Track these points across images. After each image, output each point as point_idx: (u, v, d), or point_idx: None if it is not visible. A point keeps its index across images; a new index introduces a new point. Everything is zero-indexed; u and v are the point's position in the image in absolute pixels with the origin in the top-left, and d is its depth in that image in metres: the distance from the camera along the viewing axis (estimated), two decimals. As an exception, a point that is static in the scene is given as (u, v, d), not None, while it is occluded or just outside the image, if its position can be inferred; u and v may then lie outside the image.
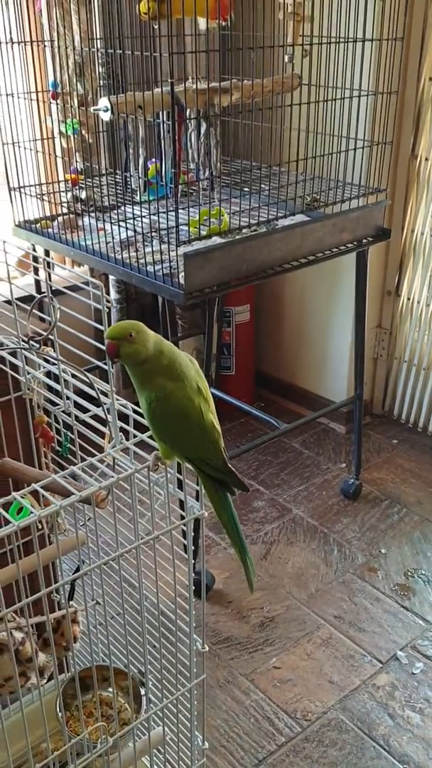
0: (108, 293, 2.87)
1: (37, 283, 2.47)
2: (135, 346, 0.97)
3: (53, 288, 1.24)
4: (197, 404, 1.01)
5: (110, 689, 1.44)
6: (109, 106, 1.87)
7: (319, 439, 3.04)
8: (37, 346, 1.12)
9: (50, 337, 1.06)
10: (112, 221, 2.14)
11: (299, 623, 2.12)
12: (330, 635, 2.08)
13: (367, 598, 2.20)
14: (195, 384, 1.02)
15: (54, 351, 1.09)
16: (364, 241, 2.29)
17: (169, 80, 1.72)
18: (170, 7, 1.73)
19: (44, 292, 2.50)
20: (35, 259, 2.29)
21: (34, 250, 2.36)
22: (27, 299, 1.28)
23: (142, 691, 1.37)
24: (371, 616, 2.14)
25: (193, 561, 1.18)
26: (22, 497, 0.93)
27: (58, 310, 1.03)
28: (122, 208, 2.25)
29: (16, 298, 1.18)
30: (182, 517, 1.17)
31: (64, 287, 1.17)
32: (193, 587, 1.23)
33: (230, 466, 1.06)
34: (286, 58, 2.08)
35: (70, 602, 1.39)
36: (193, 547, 1.19)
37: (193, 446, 1.04)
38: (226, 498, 1.09)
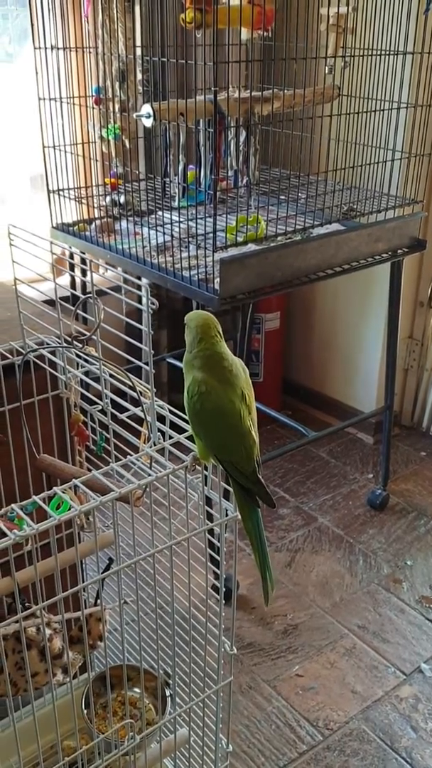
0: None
1: (72, 283, 2.50)
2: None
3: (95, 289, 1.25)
4: (237, 407, 1.02)
5: (135, 689, 1.46)
6: (151, 113, 1.90)
7: (347, 448, 3.03)
8: (80, 345, 1.14)
9: (93, 336, 1.08)
10: (149, 226, 2.16)
11: (323, 632, 2.12)
12: (354, 645, 2.07)
13: (392, 610, 2.19)
14: (240, 391, 1.03)
15: (96, 351, 1.11)
16: (399, 251, 2.29)
17: (212, 88, 1.74)
18: (216, 17, 1.75)
19: (83, 292, 2.53)
20: (71, 256, 2.32)
21: (73, 249, 2.39)
22: (65, 299, 1.30)
23: (168, 692, 1.38)
24: (395, 628, 2.13)
25: (224, 563, 1.19)
26: (63, 492, 0.95)
27: (102, 310, 1.05)
28: (159, 213, 2.27)
29: (53, 299, 1.20)
30: (211, 520, 1.18)
31: (108, 288, 1.19)
32: (223, 589, 1.24)
33: (260, 477, 1.07)
34: (327, 69, 2.09)
35: (97, 601, 1.40)
36: (224, 550, 1.20)
37: (225, 446, 1.05)
38: (254, 508, 1.10)
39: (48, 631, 1.27)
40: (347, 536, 2.51)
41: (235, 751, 1.76)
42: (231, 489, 1.12)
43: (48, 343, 1.25)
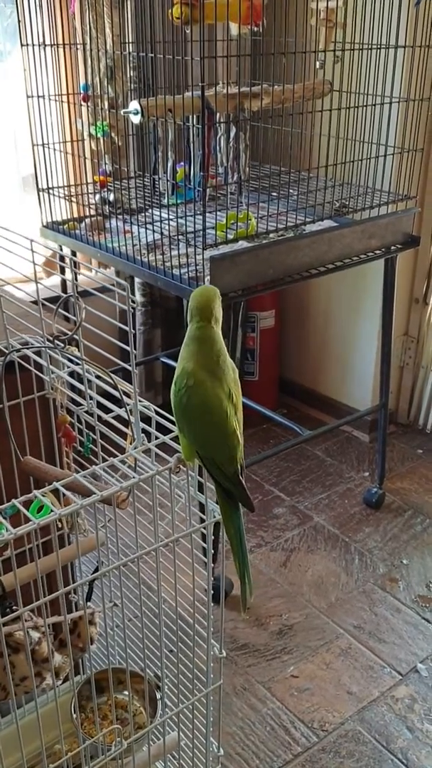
0: (133, 295, 2.87)
1: (64, 283, 2.48)
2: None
3: (79, 288, 1.25)
4: (224, 405, 1.00)
5: (126, 692, 1.44)
6: (139, 109, 1.88)
7: (342, 447, 3.01)
8: (62, 345, 1.12)
9: (75, 336, 1.06)
10: (139, 224, 2.14)
11: (318, 632, 2.10)
12: (349, 645, 2.05)
13: (388, 609, 2.18)
14: (228, 388, 1.01)
15: (78, 351, 1.09)
16: (392, 248, 2.28)
17: (200, 84, 1.72)
18: (203, 12, 1.73)
19: (70, 292, 2.51)
20: (62, 259, 2.30)
21: (61, 250, 2.37)
22: (54, 299, 1.29)
23: (158, 695, 1.36)
24: (391, 627, 2.11)
25: (212, 565, 1.17)
26: (42, 495, 0.93)
27: (84, 309, 1.03)
28: (149, 210, 2.26)
29: (43, 298, 1.18)
30: (202, 521, 1.17)
31: (90, 288, 1.17)
32: (212, 592, 1.22)
33: (242, 479, 1.04)
34: (317, 64, 2.07)
35: (88, 603, 1.38)
36: (212, 551, 1.18)
37: (208, 444, 1.03)
38: (235, 510, 1.08)
39: (37, 635, 1.25)
40: (343, 535, 2.49)
41: (229, 754, 1.74)
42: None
43: (32, 344, 1.23)
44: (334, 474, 2.83)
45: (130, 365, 1.01)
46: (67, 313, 2.23)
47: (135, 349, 2.92)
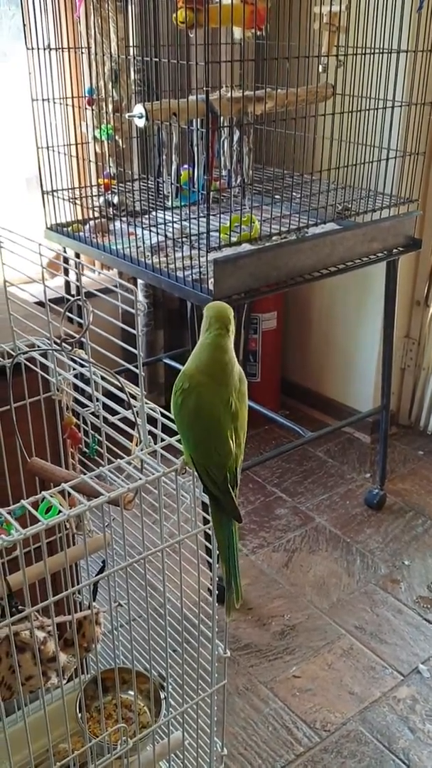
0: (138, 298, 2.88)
1: (67, 285, 2.50)
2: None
3: (84, 290, 1.26)
4: (217, 410, 1.00)
5: (130, 692, 1.45)
6: (144, 113, 1.89)
7: (344, 448, 3.02)
8: (70, 348, 1.13)
9: (82, 339, 1.07)
10: (143, 226, 2.15)
11: (320, 633, 2.11)
12: (351, 646, 2.06)
13: (390, 610, 2.19)
14: (228, 396, 1.01)
15: (85, 353, 1.10)
16: (394, 250, 2.29)
17: (204, 88, 1.74)
18: (207, 16, 1.74)
19: (75, 294, 2.52)
20: (66, 261, 2.31)
21: (65, 252, 2.38)
22: (56, 301, 1.30)
23: (162, 695, 1.37)
24: (393, 628, 2.12)
25: (217, 565, 1.18)
26: (51, 496, 0.94)
27: (92, 313, 1.04)
28: (153, 213, 2.27)
29: (48, 300, 1.19)
30: (206, 522, 1.18)
31: (96, 290, 1.18)
32: (216, 592, 1.23)
33: (231, 488, 1.04)
34: (320, 68, 2.08)
35: (93, 603, 1.40)
36: (217, 552, 1.19)
37: (198, 447, 1.03)
38: (225, 516, 1.08)
39: (42, 634, 1.26)
40: (344, 536, 2.50)
41: (231, 754, 1.75)
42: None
43: (39, 346, 1.24)
44: (335, 475, 2.84)
45: (137, 368, 1.02)
46: (70, 314, 2.25)
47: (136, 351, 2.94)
